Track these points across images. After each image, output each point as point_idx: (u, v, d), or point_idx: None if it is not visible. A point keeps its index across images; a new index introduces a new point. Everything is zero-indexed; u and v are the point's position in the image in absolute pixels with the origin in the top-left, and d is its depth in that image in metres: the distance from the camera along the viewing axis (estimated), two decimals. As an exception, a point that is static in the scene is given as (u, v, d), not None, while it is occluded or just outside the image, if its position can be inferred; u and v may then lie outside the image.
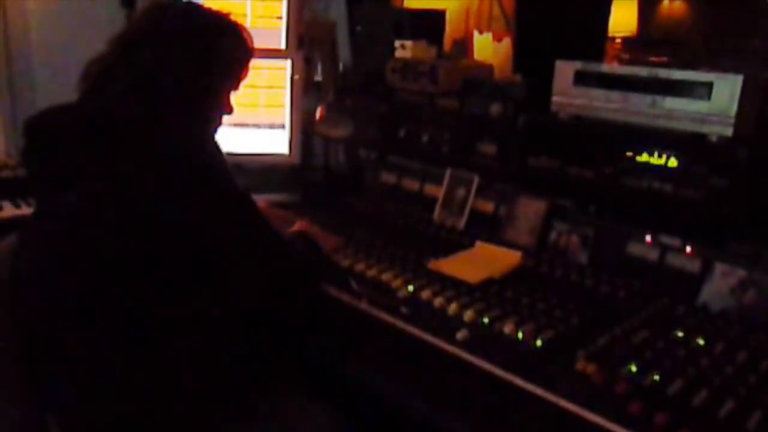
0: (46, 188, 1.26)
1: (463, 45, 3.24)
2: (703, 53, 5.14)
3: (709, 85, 1.39)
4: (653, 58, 5.18)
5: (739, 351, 1.18)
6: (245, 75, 1.39)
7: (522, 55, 2.97)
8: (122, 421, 1.15)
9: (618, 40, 5.57)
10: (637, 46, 5.64)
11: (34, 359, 1.23)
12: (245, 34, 1.36)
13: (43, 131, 1.23)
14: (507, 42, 3.30)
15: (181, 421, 1.17)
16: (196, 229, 1.16)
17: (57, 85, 2.41)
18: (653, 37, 5.79)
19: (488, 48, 3.27)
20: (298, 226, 1.58)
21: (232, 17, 1.35)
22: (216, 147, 1.22)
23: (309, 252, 1.45)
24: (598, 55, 3.21)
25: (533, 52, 2.79)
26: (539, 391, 1.06)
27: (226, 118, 1.41)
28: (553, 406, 1.03)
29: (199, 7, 1.35)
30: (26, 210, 1.89)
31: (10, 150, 2.37)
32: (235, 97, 1.41)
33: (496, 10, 3.89)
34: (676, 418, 0.98)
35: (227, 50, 1.32)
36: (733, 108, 1.37)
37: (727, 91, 1.37)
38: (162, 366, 1.15)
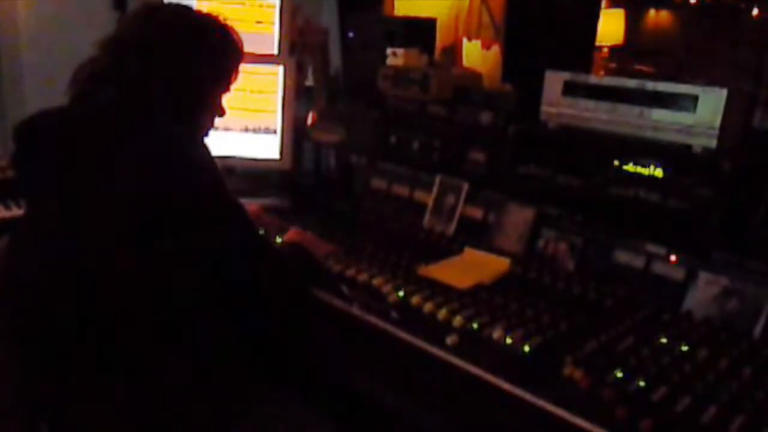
0: (38, 193, 1.26)
1: (452, 52, 3.27)
2: (689, 63, 5.21)
3: (695, 98, 1.43)
4: (640, 67, 5.25)
5: (722, 358, 1.21)
6: (236, 77, 1.39)
7: (511, 63, 3.00)
8: (114, 428, 1.16)
9: (605, 50, 5.64)
10: (623, 55, 5.70)
11: (27, 366, 1.23)
12: (235, 36, 1.36)
13: (34, 136, 1.24)
14: (496, 50, 3.33)
15: (171, 426, 1.18)
16: (186, 234, 1.17)
17: (46, 87, 2.39)
18: (640, 46, 5.86)
19: (477, 55, 3.30)
20: (290, 233, 1.59)
21: (222, 19, 1.36)
22: (207, 151, 1.22)
23: (301, 260, 1.46)
24: (586, 64, 3.26)
25: (522, 60, 2.83)
26: (527, 396, 1.07)
27: (217, 121, 1.41)
28: (541, 410, 1.05)
29: (189, 10, 1.35)
30: (16, 211, 1.89)
31: (-2, 151, 2.36)
32: (227, 100, 1.41)
33: (486, 18, 3.92)
34: (661, 424, 1.00)
35: (217, 52, 1.32)
36: (718, 120, 1.40)
37: (711, 103, 1.41)
38: (153, 372, 1.16)
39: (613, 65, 5.56)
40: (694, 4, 5.56)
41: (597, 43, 4.78)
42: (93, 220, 1.14)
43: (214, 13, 1.35)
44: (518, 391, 1.09)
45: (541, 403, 1.06)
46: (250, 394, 1.29)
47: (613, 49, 5.71)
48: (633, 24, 5.89)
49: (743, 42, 4.89)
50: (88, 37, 1.28)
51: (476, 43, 3.37)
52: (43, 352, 1.19)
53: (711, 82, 1.46)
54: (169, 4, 1.36)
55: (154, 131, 1.19)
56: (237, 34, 1.37)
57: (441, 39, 2.94)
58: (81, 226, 1.15)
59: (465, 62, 3.18)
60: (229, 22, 1.36)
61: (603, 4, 4.64)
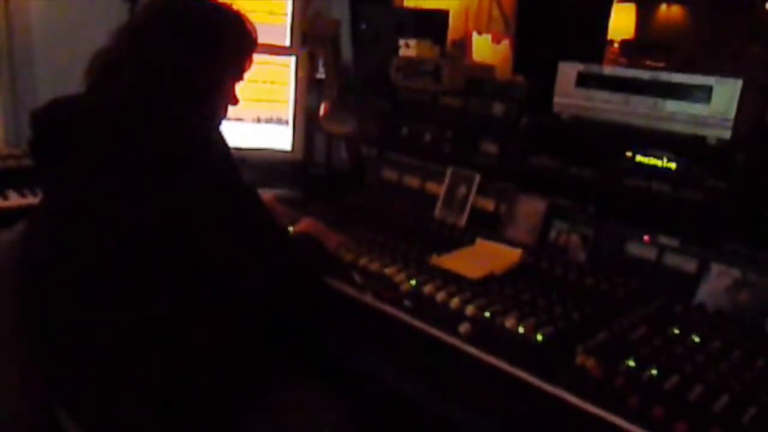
0: (54, 179, 1.27)
1: (462, 46, 3.26)
2: (700, 58, 5.19)
3: (709, 89, 1.42)
4: (650, 62, 5.23)
5: (734, 349, 1.21)
6: (249, 65, 1.41)
7: (522, 56, 2.99)
8: (127, 413, 1.17)
9: (616, 44, 5.62)
10: (634, 49, 5.68)
11: (42, 350, 1.24)
12: (248, 24, 1.37)
13: (51, 123, 1.25)
14: (506, 44, 3.32)
15: (185, 411, 1.19)
16: (202, 220, 1.17)
17: (58, 76, 2.41)
18: (651, 41, 5.84)
19: (487, 49, 3.30)
20: (303, 224, 1.59)
21: (235, 7, 1.36)
22: (222, 139, 1.23)
23: (313, 249, 1.47)
24: (597, 59, 3.25)
25: (533, 54, 2.82)
26: (540, 383, 1.08)
27: (230, 112, 1.42)
28: (554, 398, 1.06)
29: None
30: (32, 199, 1.91)
31: (10, 140, 2.38)
32: (239, 90, 1.42)
33: (496, 12, 3.91)
34: (673, 412, 1.01)
35: (231, 40, 1.33)
36: (732, 111, 1.40)
37: (726, 94, 1.40)
38: (166, 358, 1.17)
39: (623, 60, 5.54)
40: (705, -1, 5.53)
41: (608, 38, 4.76)
42: (109, 206, 1.16)
43: (228, 2, 1.36)
44: (531, 379, 1.09)
45: (554, 390, 1.07)
46: (263, 381, 1.30)
47: (624, 44, 5.69)
48: (644, 18, 5.86)
49: (756, 36, 4.86)
50: (98, 27, 1.29)
51: (486, 37, 3.36)
52: (58, 336, 1.21)
53: (725, 73, 1.46)
54: None
55: (171, 119, 1.20)
56: (251, 22, 1.38)
57: (451, 32, 2.94)
58: (97, 212, 1.16)
59: (475, 56, 3.17)
60: (242, 11, 1.37)
61: (614, -3, 4.62)
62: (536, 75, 1.95)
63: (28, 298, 1.25)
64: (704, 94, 1.43)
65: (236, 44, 1.36)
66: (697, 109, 1.45)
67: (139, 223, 1.14)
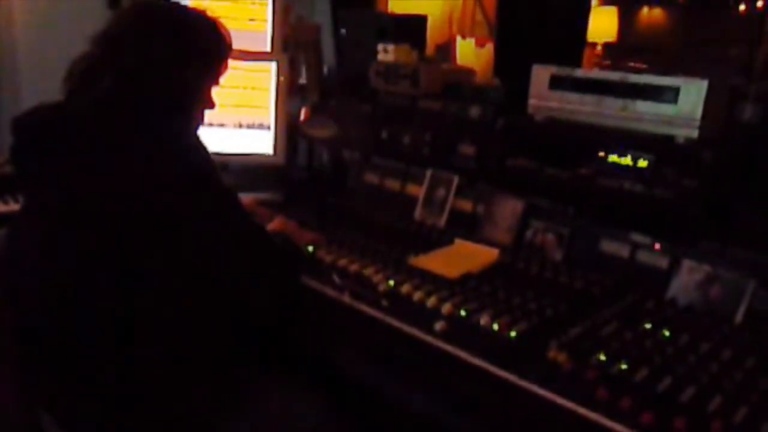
0: (35, 185, 1.28)
1: (447, 50, 3.30)
2: (681, 60, 5.26)
3: (676, 90, 1.46)
4: (633, 64, 5.29)
5: (702, 342, 1.24)
6: (225, 70, 1.42)
7: (502, 59, 3.03)
8: (108, 415, 1.19)
9: (599, 47, 5.68)
10: (617, 52, 5.74)
11: (25, 352, 1.25)
12: (223, 30, 1.39)
13: (32, 129, 1.26)
14: (489, 47, 3.36)
15: (166, 413, 1.20)
16: (181, 222, 1.19)
17: (42, 84, 2.41)
18: (633, 43, 5.90)
19: (471, 53, 3.34)
20: (275, 223, 1.62)
21: (209, 13, 1.38)
22: (199, 142, 1.25)
23: (285, 247, 1.49)
24: (577, 61, 3.29)
25: (513, 56, 2.86)
26: (512, 378, 1.11)
27: (212, 118, 1.44)
28: (525, 391, 1.08)
29: (177, 5, 1.37)
30: (14, 206, 1.91)
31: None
32: (219, 97, 1.44)
33: (479, 16, 3.96)
34: (641, 403, 1.03)
35: (206, 46, 1.35)
36: (699, 111, 1.44)
37: (693, 95, 1.44)
38: (148, 359, 1.18)
39: (607, 62, 5.60)
40: (682, 2, 5.61)
41: (591, 41, 4.82)
42: (90, 213, 1.17)
43: (201, 8, 1.38)
44: (503, 373, 1.12)
45: (525, 384, 1.09)
46: (245, 384, 1.32)
47: (607, 46, 5.75)
48: (626, 21, 5.93)
49: (733, 38, 4.93)
50: (83, 35, 1.30)
51: (470, 41, 3.40)
52: (40, 341, 1.22)
53: (695, 75, 1.49)
54: (158, 1, 1.38)
55: (150, 125, 1.21)
56: (225, 27, 1.39)
57: (435, 37, 2.97)
58: (78, 219, 1.18)
59: (459, 60, 3.21)
60: (216, 17, 1.39)
61: (595, 1, 4.68)
62: (516, 78, 1.99)
63: (12, 302, 1.26)
64: (672, 95, 1.47)
65: (211, 50, 1.37)
66: (665, 109, 1.48)
67: (122, 228, 1.15)
